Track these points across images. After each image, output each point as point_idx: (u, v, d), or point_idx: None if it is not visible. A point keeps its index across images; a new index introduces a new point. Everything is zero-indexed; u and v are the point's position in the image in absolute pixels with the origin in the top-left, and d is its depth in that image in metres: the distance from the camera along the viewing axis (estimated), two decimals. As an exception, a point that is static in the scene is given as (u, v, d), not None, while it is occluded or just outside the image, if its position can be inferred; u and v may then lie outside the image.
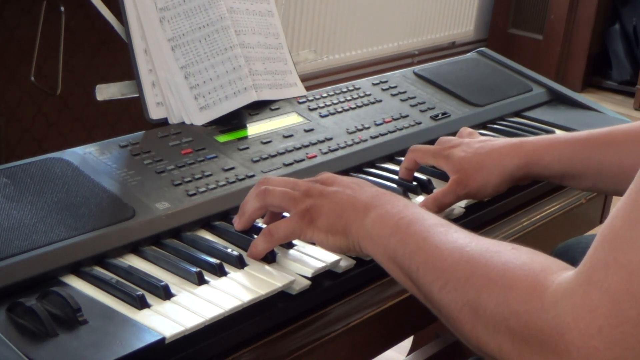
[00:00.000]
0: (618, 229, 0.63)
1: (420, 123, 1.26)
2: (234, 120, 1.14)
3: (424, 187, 1.09)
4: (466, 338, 0.73)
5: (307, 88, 1.27)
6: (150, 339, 0.72)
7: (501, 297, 0.69)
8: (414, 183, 1.08)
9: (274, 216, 0.92)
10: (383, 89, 1.33)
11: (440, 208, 1.02)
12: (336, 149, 1.13)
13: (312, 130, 1.16)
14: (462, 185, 1.03)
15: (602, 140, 1.04)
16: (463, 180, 1.03)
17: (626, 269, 0.61)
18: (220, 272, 0.84)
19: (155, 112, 1.11)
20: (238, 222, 0.91)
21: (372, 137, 1.18)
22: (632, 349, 0.60)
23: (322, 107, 1.23)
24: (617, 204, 0.65)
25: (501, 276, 0.70)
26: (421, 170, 1.12)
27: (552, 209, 1.18)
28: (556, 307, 0.64)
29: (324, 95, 1.26)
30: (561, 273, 0.67)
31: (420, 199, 1.06)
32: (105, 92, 1.11)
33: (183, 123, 1.11)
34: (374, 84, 1.34)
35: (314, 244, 0.90)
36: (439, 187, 1.10)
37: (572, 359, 0.62)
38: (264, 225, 0.91)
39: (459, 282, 0.73)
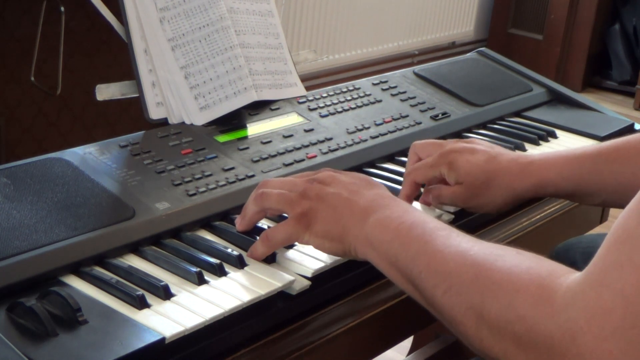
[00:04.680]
0: (632, 229, 0.62)
1: (420, 123, 1.26)
2: (234, 120, 1.14)
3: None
4: (470, 342, 0.72)
5: (307, 88, 1.27)
6: (150, 339, 0.72)
7: (506, 301, 0.68)
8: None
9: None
10: (383, 89, 1.33)
11: (437, 203, 1.02)
12: (336, 149, 1.13)
13: (312, 130, 1.16)
14: (466, 201, 1.01)
15: (611, 156, 1.01)
16: (468, 197, 1.01)
17: None
18: (220, 272, 0.84)
19: (155, 112, 1.11)
20: (239, 224, 0.92)
21: (372, 137, 1.18)
22: None
23: (322, 107, 1.23)
24: (629, 204, 0.64)
25: (506, 280, 0.69)
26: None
27: (552, 209, 1.18)
28: (567, 310, 0.63)
29: (324, 95, 1.26)
30: (568, 276, 0.66)
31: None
32: (105, 92, 1.11)
33: (183, 123, 1.11)
34: (374, 84, 1.34)
35: None
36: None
37: None
38: (266, 227, 0.91)
39: (462, 286, 0.72)
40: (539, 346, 0.64)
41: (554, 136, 1.34)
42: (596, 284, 0.62)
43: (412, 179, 1.04)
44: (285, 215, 0.89)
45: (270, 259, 0.88)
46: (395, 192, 1.04)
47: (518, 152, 1.09)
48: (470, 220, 1.05)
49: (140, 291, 0.78)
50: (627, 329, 0.60)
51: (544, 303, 0.65)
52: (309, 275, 0.86)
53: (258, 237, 0.89)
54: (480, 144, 1.06)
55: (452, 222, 1.02)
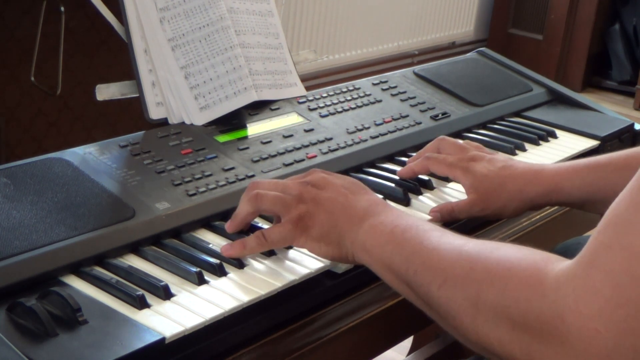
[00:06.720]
0: (622, 212, 0.63)
1: (420, 123, 1.26)
2: (234, 120, 1.14)
3: (425, 186, 1.09)
4: (465, 334, 0.73)
5: (307, 88, 1.27)
6: (150, 339, 0.72)
7: (501, 286, 0.69)
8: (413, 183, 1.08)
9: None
10: (383, 89, 1.33)
11: (452, 220, 1.02)
12: (336, 149, 1.13)
13: (312, 130, 1.16)
14: (479, 207, 1.03)
15: (622, 164, 1.02)
16: (482, 202, 1.03)
17: (628, 251, 0.61)
18: (220, 272, 0.84)
19: (155, 112, 1.11)
20: (230, 226, 0.91)
21: (372, 137, 1.18)
22: (632, 332, 0.60)
23: (322, 107, 1.23)
24: (622, 191, 0.65)
25: (501, 267, 0.70)
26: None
27: (552, 209, 1.18)
28: (557, 291, 0.64)
29: (324, 95, 1.26)
30: (561, 262, 0.67)
31: (423, 199, 1.06)
32: (105, 92, 1.11)
33: (183, 123, 1.11)
34: (374, 84, 1.34)
35: None
36: (439, 186, 1.10)
37: (572, 342, 0.62)
38: (265, 226, 0.91)
39: (458, 278, 0.73)
40: (532, 328, 0.65)
41: (554, 136, 1.34)
42: (585, 266, 0.63)
43: (426, 164, 1.07)
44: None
45: (269, 252, 0.88)
46: (394, 191, 1.04)
47: (534, 162, 1.11)
48: (470, 220, 1.05)
49: (140, 291, 0.78)
50: (614, 308, 0.60)
51: (537, 285, 0.66)
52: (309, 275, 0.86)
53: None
54: (500, 155, 1.09)
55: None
